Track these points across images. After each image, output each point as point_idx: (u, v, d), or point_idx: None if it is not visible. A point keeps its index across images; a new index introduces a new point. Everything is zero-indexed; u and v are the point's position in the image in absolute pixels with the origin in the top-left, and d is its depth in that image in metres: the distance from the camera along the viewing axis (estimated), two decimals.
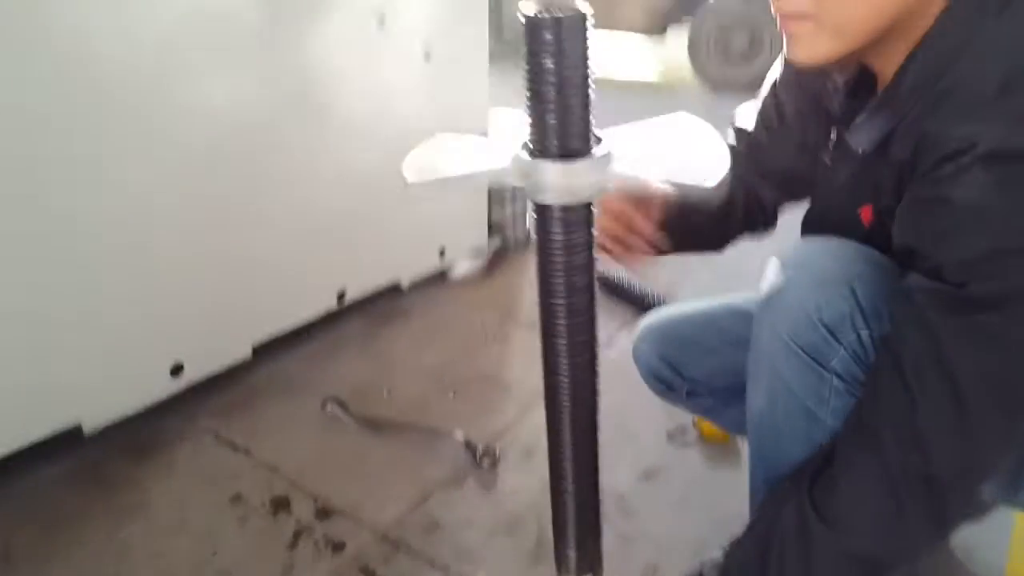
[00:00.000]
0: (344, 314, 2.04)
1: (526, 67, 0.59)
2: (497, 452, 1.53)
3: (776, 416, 0.88)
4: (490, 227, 2.41)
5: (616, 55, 6.89)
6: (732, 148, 1.07)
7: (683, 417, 1.64)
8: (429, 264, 2.22)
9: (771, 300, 0.85)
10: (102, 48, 1.33)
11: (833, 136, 0.93)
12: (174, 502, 1.41)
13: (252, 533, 1.34)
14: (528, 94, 0.60)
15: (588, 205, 0.64)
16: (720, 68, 5.41)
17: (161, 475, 1.48)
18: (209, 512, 1.39)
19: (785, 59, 0.96)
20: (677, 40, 6.05)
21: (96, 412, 1.49)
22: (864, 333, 0.80)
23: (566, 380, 0.72)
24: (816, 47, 0.79)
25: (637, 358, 1.27)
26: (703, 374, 1.20)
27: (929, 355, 0.71)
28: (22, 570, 1.25)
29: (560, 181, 0.61)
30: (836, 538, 0.77)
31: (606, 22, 5.81)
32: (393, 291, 2.15)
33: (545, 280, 0.68)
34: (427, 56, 1.98)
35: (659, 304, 1.98)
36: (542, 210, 0.64)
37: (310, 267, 1.85)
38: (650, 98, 5.28)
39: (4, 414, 1.36)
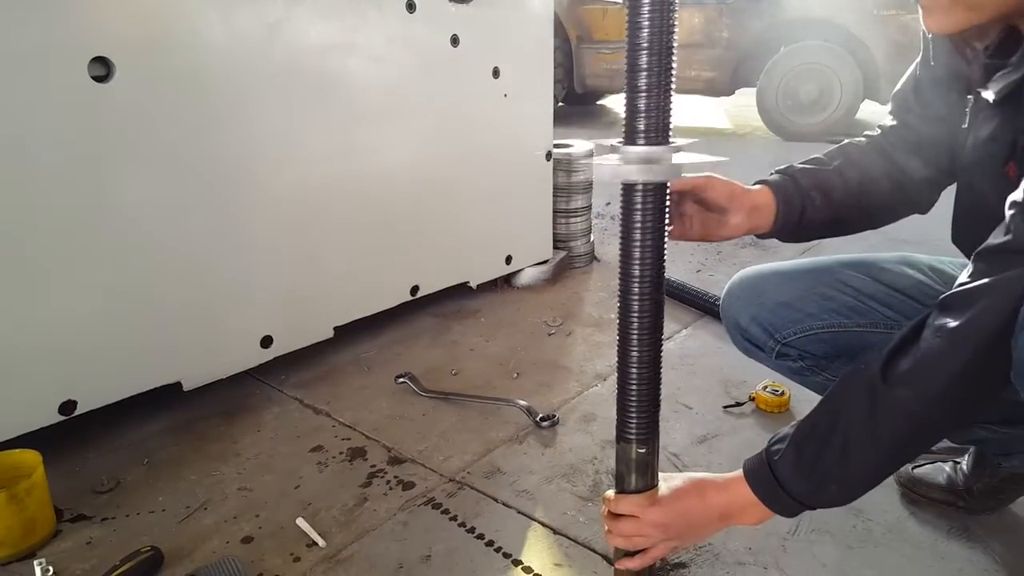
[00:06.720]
0: (418, 311, 2.18)
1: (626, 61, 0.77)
2: (557, 416, 1.61)
3: None
4: (555, 242, 2.55)
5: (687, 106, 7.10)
6: (882, 127, 1.13)
7: (740, 394, 1.70)
8: (496, 269, 2.35)
9: None
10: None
11: (970, 99, 0.94)
12: (261, 451, 1.54)
13: (331, 474, 1.46)
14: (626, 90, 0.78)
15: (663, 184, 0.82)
16: (790, 120, 5.49)
17: (249, 430, 1.63)
18: (292, 458, 1.51)
19: (924, 29, 0.97)
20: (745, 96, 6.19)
21: (194, 373, 1.66)
22: None
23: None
24: (949, 19, 0.81)
25: (726, 315, 1.22)
26: (799, 339, 1.14)
27: None
28: (132, 496, 1.40)
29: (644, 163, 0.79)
30: (899, 394, 0.77)
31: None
32: (463, 294, 2.29)
33: (627, 234, 0.84)
34: (496, 74, 2.17)
35: (717, 305, 2.04)
36: (628, 188, 0.82)
37: (387, 263, 2.01)
38: (724, 144, 5.39)
39: (118, 367, 1.53)
